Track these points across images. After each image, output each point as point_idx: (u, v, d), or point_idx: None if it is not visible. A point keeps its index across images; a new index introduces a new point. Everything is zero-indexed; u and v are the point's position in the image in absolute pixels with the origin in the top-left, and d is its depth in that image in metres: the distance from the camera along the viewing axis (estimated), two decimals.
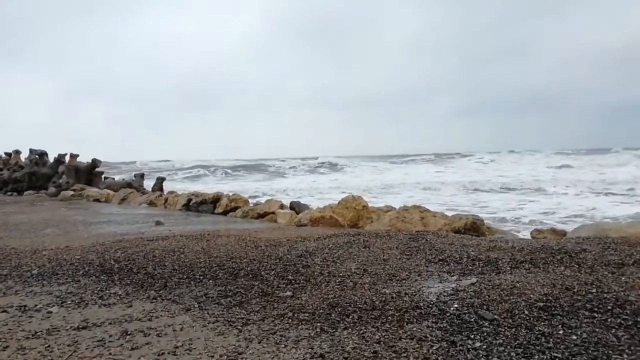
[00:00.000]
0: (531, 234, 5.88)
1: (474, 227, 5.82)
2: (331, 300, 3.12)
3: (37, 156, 20.00)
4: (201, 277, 3.87)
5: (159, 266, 4.28)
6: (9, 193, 18.46)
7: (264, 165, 41.82)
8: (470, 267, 3.81)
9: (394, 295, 3.14)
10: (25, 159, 21.29)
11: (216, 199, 10.05)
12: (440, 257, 4.15)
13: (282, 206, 8.88)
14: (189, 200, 10.46)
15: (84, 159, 18.72)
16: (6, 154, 22.97)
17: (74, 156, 19.50)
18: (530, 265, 3.79)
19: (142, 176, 16.91)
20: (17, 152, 22.43)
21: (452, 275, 3.61)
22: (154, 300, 3.24)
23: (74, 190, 15.50)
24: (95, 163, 17.71)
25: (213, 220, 8.64)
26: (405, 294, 3.18)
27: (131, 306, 3.12)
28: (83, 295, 3.37)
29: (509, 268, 3.76)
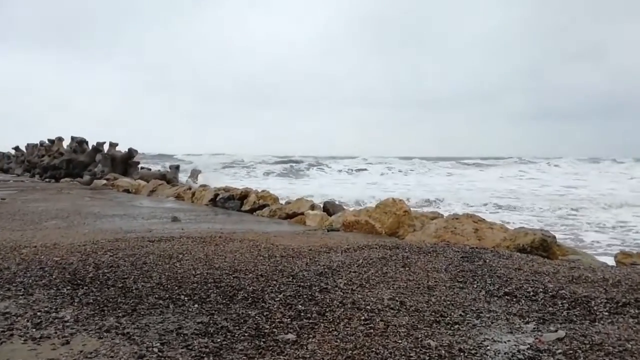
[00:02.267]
0: (616, 257, 4.68)
1: (543, 246, 4.67)
2: (350, 353, 2.13)
3: (77, 143, 19.91)
4: (186, 299, 2.96)
5: (143, 278, 3.41)
6: (46, 180, 18.40)
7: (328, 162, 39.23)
8: (551, 309, 2.73)
9: (444, 353, 2.12)
10: (67, 146, 21.32)
11: (244, 195, 9.22)
12: (507, 290, 3.07)
13: (313, 206, 7.93)
14: (216, 195, 9.68)
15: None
16: (49, 140, 23.13)
17: (113, 145, 19.24)
18: (637, 311, 2.68)
19: (177, 168, 16.39)
20: (60, 139, 22.46)
21: (527, 322, 2.54)
22: (105, 334, 2.34)
23: (107, 179, 15.11)
24: (131, 152, 17.33)
25: (237, 218, 7.79)
26: (460, 350, 2.15)
27: (68, 343, 2.23)
28: (16, 320, 2.51)
29: (606, 313, 2.65)
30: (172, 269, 3.70)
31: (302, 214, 7.64)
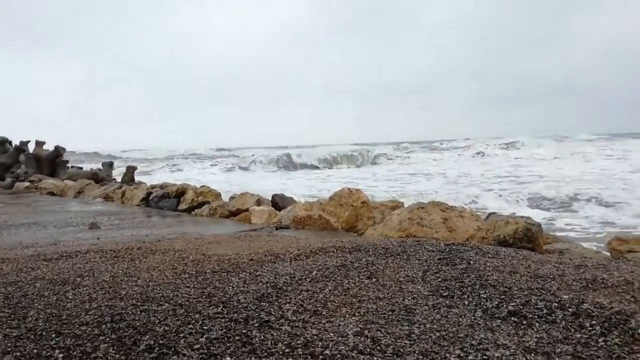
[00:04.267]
0: (609, 245, 4.03)
1: (527, 237, 3.97)
2: None
3: None
4: (61, 357, 2.01)
5: (10, 322, 2.42)
6: None
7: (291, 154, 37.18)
8: (580, 336, 1.97)
9: None
10: None
11: (180, 193, 8.17)
12: (510, 307, 2.29)
13: (259, 201, 7.01)
14: (149, 194, 8.57)
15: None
16: None
17: (40, 144, 17.51)
18: None
19: (110, 165, 14.98)
20: None
21: None
22: None
23: (30, 181, 13.57)
24: (58, 151, 15.74)
25: (171, 220, 6.76)
26: None
27: None
28: None
29: None
30: (60, 302, 2.71)
31: (247, 210, 6.72)
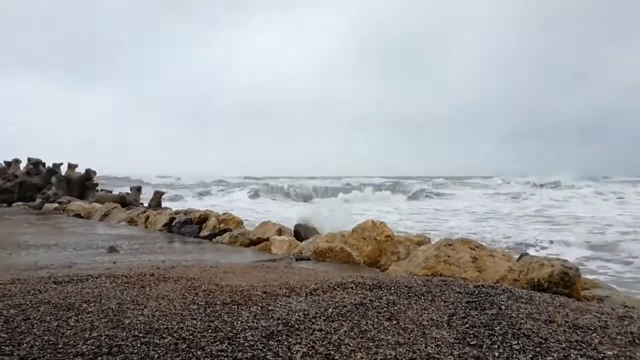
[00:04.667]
0: None
1: (564, 281, 3.66)
2: None
3: (32, 165, 18.48)
4: None
5: (3, 350, 2.28)
6: None
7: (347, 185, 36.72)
8: None
9: None
10: (24, 168, 19.84)
11: (203, 219, 8.08)
12: None
13: (280, 231, 6.84)
14: (171, 219, 8.51)
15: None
16: (5, 162, 21.61)
17: (72, 166, 17.90)
18: None
19: (138, 189, 15.11)
20: (17, 161, 20.97)
21: None
22: None
23: (59, 203, 13.77)
24: (89, 174, 16.02)
25: (191, 247, 6.64)
26: None
27: None
28: None
29: None
30: (60, 329, 2.57)
31: (268, 239, 6.55)
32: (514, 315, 2.67)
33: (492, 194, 33.30)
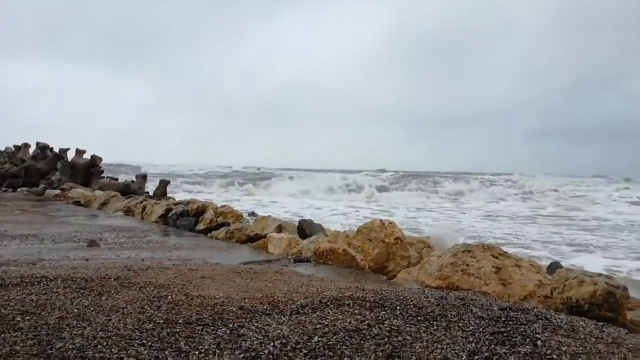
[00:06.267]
0: None
1: (609, 303, 2.99)
2: None
3: (39, 150, 18.14)
4: None
5: None
6: (3, 189, 16.57)
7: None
8: None
9: None
10: (32, 153, 19.54)
11: (200, 211, 7.52)
12: None
13: (280, 227, 6.24)
14: (168, 210, 7.96)
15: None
16: (15, 147, 21.36)
17: (79, 152, 17.50)
18: None
19: (143, 177, 14.64)
20: (26, 146, 20.70)
21: None
22: None
23: (61, 189, 13.36)
24: (94, 160, 15.61)
25: (182, 242, 6.07)
26: None
27: None
28: None
29: None
30: None
31: (265, 236, 5.96)
32: (554, 357, 2.03)
33: (525, 195, 31.57)
